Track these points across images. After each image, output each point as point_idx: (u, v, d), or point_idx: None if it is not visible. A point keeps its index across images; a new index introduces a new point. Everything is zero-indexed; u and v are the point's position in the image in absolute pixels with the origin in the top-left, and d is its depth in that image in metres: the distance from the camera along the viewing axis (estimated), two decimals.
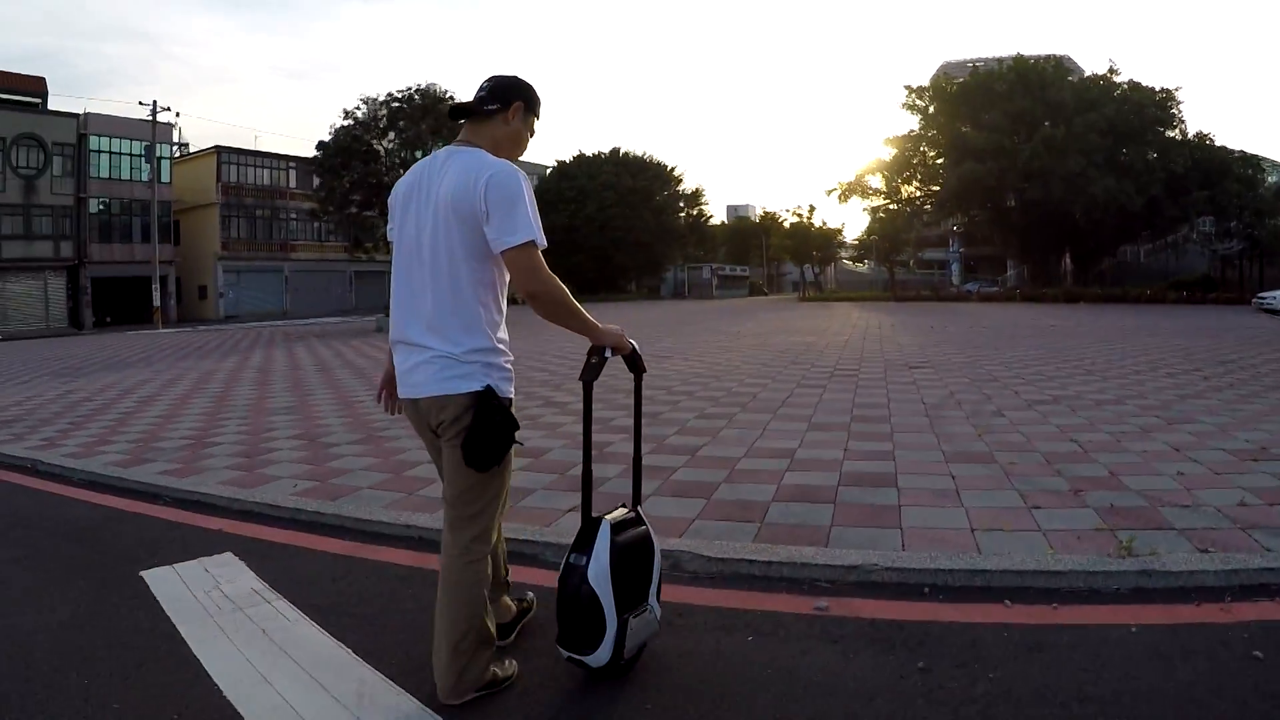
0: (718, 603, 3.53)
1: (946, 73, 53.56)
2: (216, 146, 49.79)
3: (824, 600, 3.49)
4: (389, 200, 2.83)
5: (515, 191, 2.50)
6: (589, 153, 67.75)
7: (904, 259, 59.22)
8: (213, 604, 3.59)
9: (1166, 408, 7.68)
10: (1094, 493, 4.71)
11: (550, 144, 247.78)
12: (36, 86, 45.11)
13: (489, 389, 2.56)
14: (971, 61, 53.00)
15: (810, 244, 65.77)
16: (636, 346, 2.86)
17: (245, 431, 8.00)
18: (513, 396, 2.70)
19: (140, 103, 54.66)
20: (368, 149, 32.40)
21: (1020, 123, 45.21)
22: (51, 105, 44.88)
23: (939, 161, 51.08)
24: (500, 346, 2.66)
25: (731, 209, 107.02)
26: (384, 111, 32.41)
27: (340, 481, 5.75)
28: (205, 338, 28.45)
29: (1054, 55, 48.71)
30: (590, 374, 2.72)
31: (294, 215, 51.82)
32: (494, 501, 2.72)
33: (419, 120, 32.25)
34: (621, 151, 67.23)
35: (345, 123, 32.20)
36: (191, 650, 3.12)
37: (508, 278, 2.69)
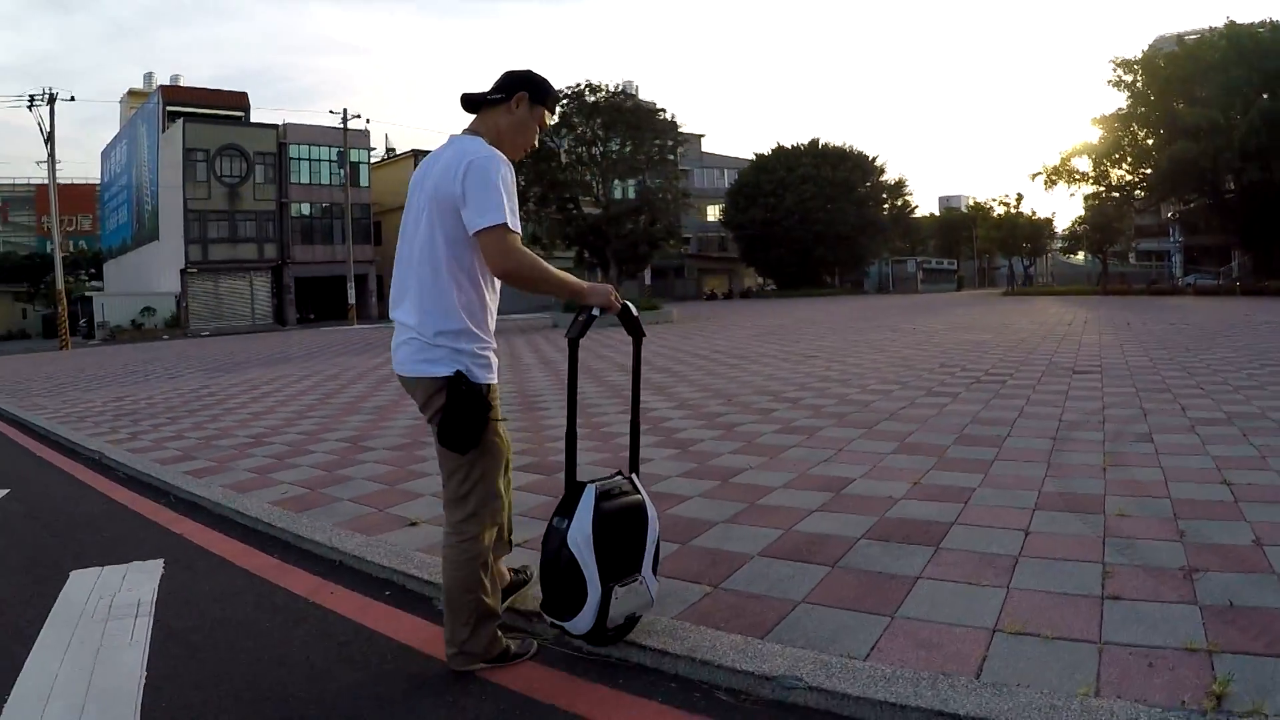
0: (562, 701, 2.55)
1: (1159, 48, 47.30)
2: (413, 150, 52.13)
3: None
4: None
5: (490, 177, 2.53)
6: (787, 145, 65.75)
7: (1118, 249, 53.66)
8: (90, 612, 3.54)
9: None
10: (1214, 575, 3.06)
11: (748, 137, 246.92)
12: (239, 101, 49.37)
13: (459, 374, 2.59)
14: (1185, 34, 46.51)
15: (1019, 235, 61.14)
16: (632, 307, 2.84)
17: (307, 432, 7.83)
18: (492, 382, 2.72)
19: (330, 111, 58.01)
20: (541, 146, 32.28)
21: (1235, 95, 39.08)
22: (259, 119, 48.65)
23: (1149, 142, 45.34)
24: (476, 331, 2.67)
25: (943, 200, 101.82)
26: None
27: (330, 490, 5.35)
28: (387, 334, 29.27)
29: (1271, 19, 41.71)
30: (577, 331, 2.71)
31: None
32: (482, 484, 2.74)
33: (590, 116, 31.81)
34: (821, 143, 64.92)
35: None
36: (26, 659, 3.07)
37: None
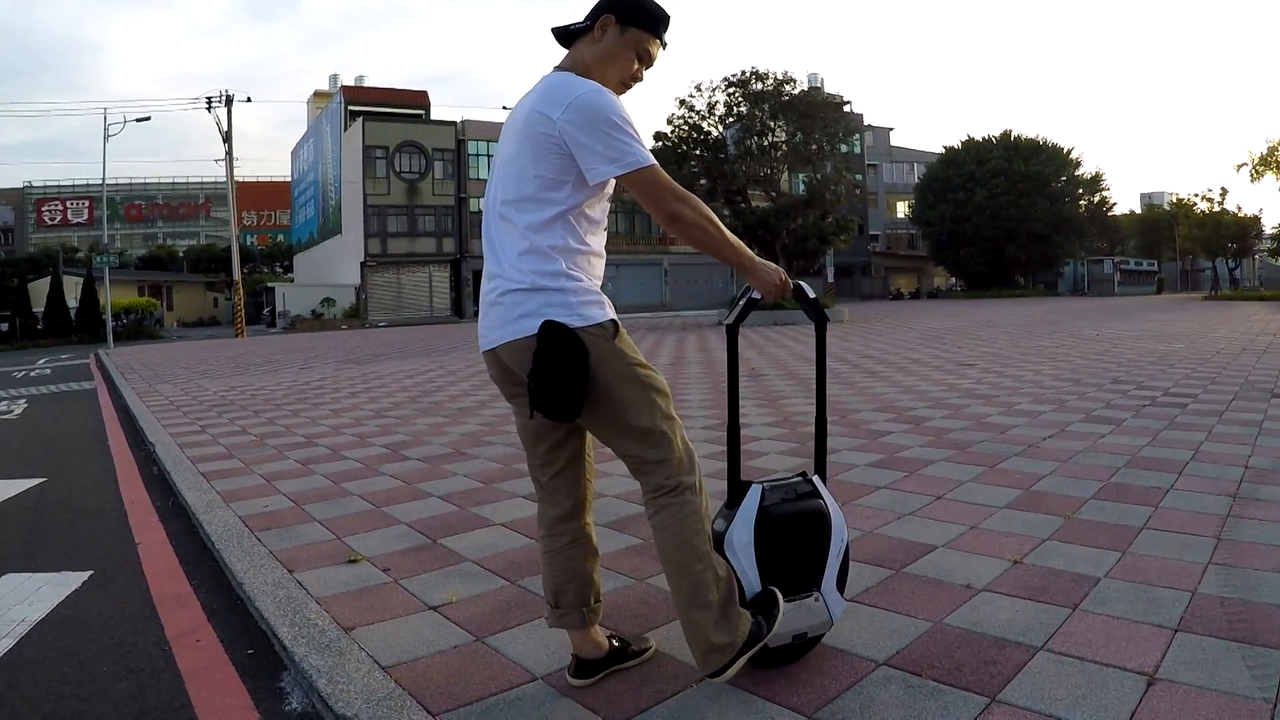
0: None
1: None
2: None
3: None
4: None
5: (604, 112, 2.11)
6: (977, 137, 61.91)
7: None
8: None
9: None
10: None
11: (938, 130, 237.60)
12: (419, 100, 50.89)
13: (548, 325, 2.13)
14: None
15: (1223, 234, 54.86)
16: (808, 288, 2.44)
17: (362, 434, 7.25)
18: (605, 320, 2.22)
19: (504, 107, 58.78)
20: (708, 136, 31.15)
21: None
22: (442, 117, 50.17)
23: None
24: (576, 274, 2.21)
25: (1144, 196, 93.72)
26: (719, 97, 30.90)
27: (316, 507, 4.70)
28: None
29: None
30: (736, 317, 2.44)
31: None
32: (666, 424, 2.23)
33: (756, 104, 30.45)
34: (1013, 134, 60.72)
35: (681, 111, 31.14)
36: None
37: (596, 211, 2.30)
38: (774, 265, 2.36)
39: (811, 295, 2.46)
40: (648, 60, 2.34)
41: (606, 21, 2.26)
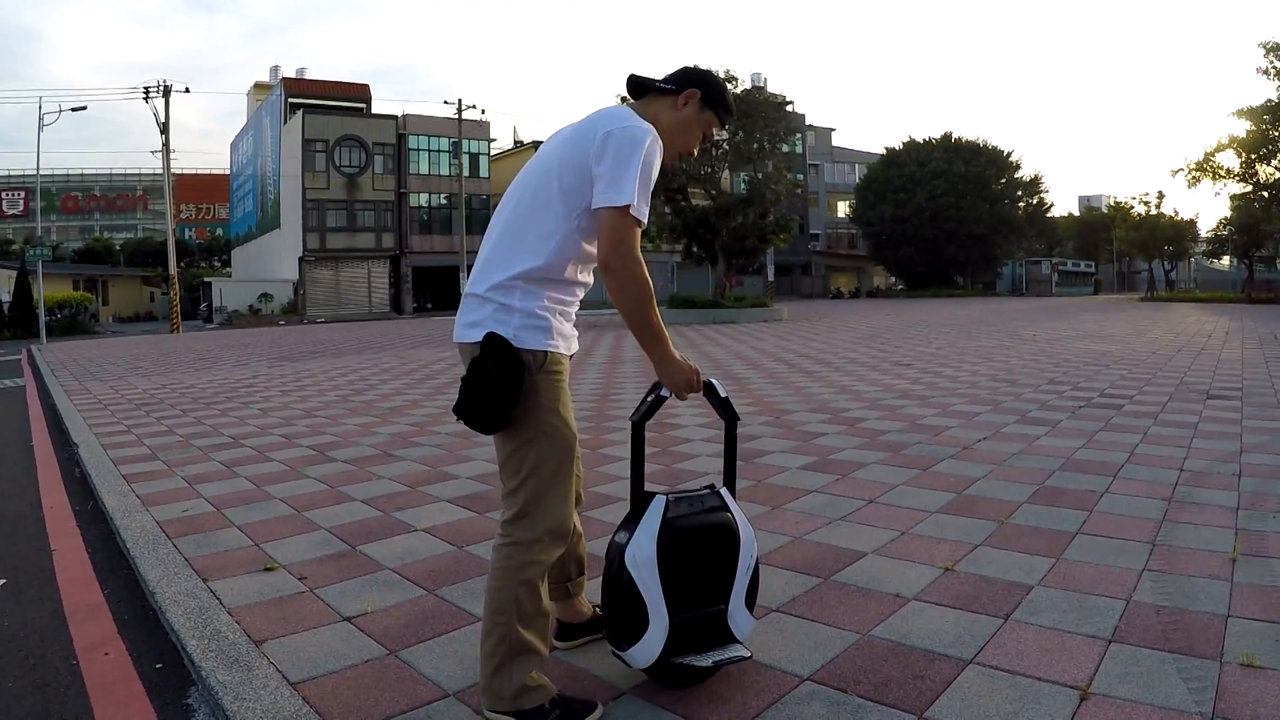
0: None
1: None
2: (535, 142, 51.96)
3: None
4: None
5: (635, 150, 2.11)
6: (919, 138, 62.94)
7: (1265, 254, 48.97)
8: None
9: None
10: None
11: (880, 131, 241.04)
12: (360, 93, 50.16)
13: (490, 338, 2.11)
14: None
15: (1159, 237, 56.32)
16: (718, 386, 2.37)
17: (289, 435, 7.05)
18: (550, 350, 2.18)
19: (445, 102, 58.17)
20: None
21: None
22: (384, 110, 49.41)
23: None
24: (534, 288, 2.17)
25: (1082, 199, 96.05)
26: None
27: (236, 511, 4.53)
28: None
29: None
30: (642, 414, 2.33)
31: None
32: (533, 480, 2.17)
33: None
34: (953, 136, 61.77)
35: None
36: None
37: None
38: (689, 364, 2.30)
39: (723, 394, 2.39)
40: (706, 142, 2.51)
41: (692, 95, 2.36)
